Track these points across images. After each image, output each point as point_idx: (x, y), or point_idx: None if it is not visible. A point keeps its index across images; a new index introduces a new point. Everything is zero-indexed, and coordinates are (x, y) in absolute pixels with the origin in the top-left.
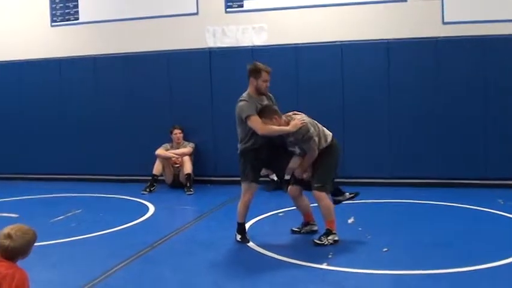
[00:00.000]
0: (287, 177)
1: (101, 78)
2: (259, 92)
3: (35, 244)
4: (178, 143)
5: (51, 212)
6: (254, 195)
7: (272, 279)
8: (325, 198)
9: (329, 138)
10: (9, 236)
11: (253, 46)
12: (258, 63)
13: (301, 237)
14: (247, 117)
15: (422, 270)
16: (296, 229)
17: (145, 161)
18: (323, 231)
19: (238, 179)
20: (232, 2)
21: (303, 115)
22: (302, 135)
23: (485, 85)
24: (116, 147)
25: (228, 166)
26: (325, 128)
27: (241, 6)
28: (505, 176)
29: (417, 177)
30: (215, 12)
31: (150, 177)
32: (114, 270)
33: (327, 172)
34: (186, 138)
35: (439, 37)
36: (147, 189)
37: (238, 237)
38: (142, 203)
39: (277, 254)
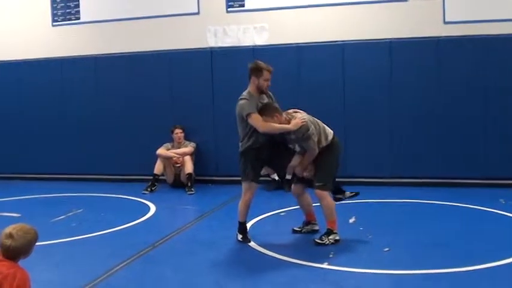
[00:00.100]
0: (288, 176)
1: (102, 78)
2: (260, 91)
3: (36, 244)
4: (179, 143)
5: (52, 212)
6: (255, 195)
7: (273, 278)
8: (327, 197)
9: (330, 137)
10: (10, 235)
11: (255, 46)
12: (260, 62)
13: (302, 236)
14: (248, 115)
15: (423, 270)
16: (297, 228)
17: (147, 160)
18: (324, 230)
19: (239, 178)
20: (234, 1)
21: (304, 113)
22: (302, 134)
23: (487, 85)
24: (117, 147)
25: (229, 166)
26: (326, 126)
27: (243, 6)
28: (506, 176)
29: (418, 177)
30: (216, 11)
31: (151, 177)
32: (115, 270)
33: (328, 171)
34: (187, 137)
35: (440, 37)
36: (148, 189)
37: (240, 236)
38: (143, 202)
39: (278, 254)
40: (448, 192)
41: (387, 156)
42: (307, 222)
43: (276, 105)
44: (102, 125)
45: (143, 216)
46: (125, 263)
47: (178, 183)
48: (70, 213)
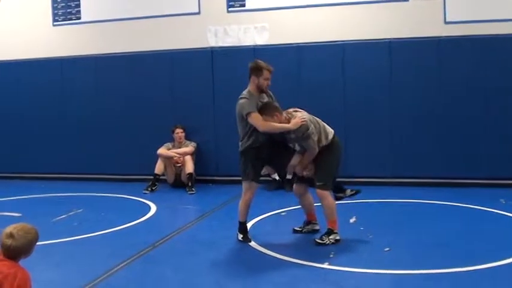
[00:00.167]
0: (289, 176)
1: (102, 78)
2: (260, 90)
3: (37, 243)
4: (180, 143)
5: (53, 211)
6: (255, 195)
7: (274, 278)
8: (328, 196)
9: (330, 136)
10: (11, 235)
11: (255, 46)
12: (260, 61)
13: (303, 236)
14: (248, 114)
15: (424, 270)
16: (298, 228)
17: (147, 160)
18: (325, 230)
19: (240, 178)
20: (234, 1)
21: (304, 112)
22: (302, 133)
23: (487, 85)
24: (118, 147)
25: (229, 165)
26: (326, 125)
27: (243, 5)
28: (506, 176)
29: (418, 177)
30: (217, 11)
31: (151, 177)
32: (115, 269)
33: (329, 170)
34: (188, 137)
35: (440, 37)
36: (149, 189)
37: (240, 236)
38: (144, 202)
39: (279, 254)
40: (448, 192)
41: (388, 156)
42: (308, 222)
43: (276, 104)
44: (102, 125)
45: (144, 216)
46: (125, 262)
47: (179, 183)
48: (71, 213)
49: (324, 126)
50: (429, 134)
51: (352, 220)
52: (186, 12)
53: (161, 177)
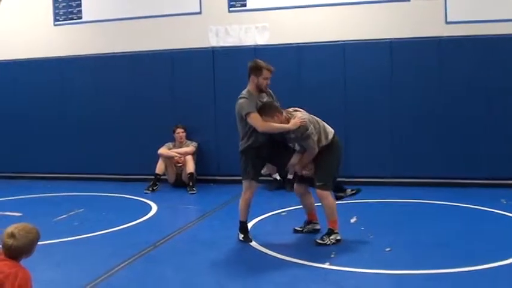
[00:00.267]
0: (290, 176)
1: (103, 78)
2: (259, 90)
3: (38, 243)
4: (181, 142)
5: (53, 211)
6: (256, 194)
7: (274, 278)
8: (328, 196)
9: (330, 136)
10: (12, 235)
11: (256, 45)
12: (259, 61)
13: (304, 236)
14: (247, 114)
15: (424, 270)
16: (298, 228)
17: (148, 160)
18: (325, 230)
19: (241, 177)
20: (235, 1)
21: (304, 112)
22: (301, 133)
23: (488, 85)
24: (118, 147)
25: (230, 165)
26: (326, 125)
27: (244, 5)
28: (507, 176)
29: (419, 177)
30: (218, 11)
31: (152, 177)
32: (116, 269)
33: (329, 170)
34: (189, 137)
35: (441, 37)
36: (150, 189)
37: (241, 236)
38: (145, 202)
39: (280, 254)
40: (449, 192)
41: (388, 156)
42: (309, 222)
43: (277, 103)
44: (103, 124)
45: (145, 215)
46: (126, 262)
47: (180, 183)
48: (72, 213)
49: (324, 126)
50: (430, 134)
51: (352, 220)
52: (187, 12)
53: (162, 177)
